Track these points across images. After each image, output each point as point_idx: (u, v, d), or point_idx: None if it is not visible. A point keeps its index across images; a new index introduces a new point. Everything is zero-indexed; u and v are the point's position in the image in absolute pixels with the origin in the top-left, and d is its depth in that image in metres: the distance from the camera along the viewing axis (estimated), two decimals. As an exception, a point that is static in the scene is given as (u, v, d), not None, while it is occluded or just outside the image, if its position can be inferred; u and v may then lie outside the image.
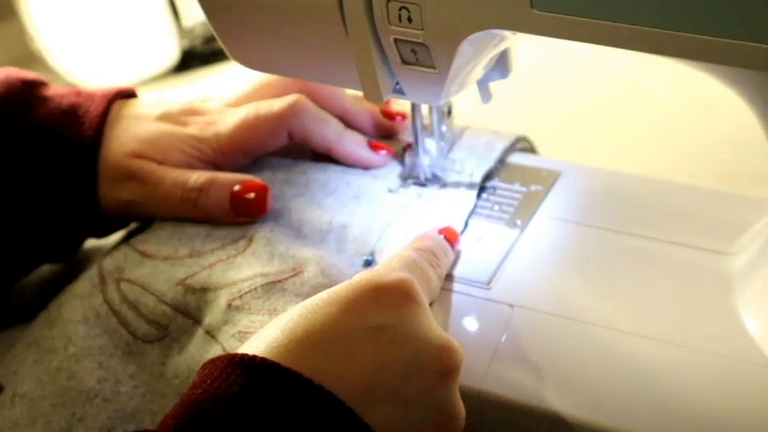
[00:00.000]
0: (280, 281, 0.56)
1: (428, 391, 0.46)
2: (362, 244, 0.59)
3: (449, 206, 0.62)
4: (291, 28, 0.55)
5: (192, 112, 0.65)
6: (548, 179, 0.64)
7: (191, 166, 0.62)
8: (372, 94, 0.55)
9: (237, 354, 0.45)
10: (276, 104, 0.63)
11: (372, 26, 0.52)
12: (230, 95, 0.66)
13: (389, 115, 0.67)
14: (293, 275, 0.56)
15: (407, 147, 0.65)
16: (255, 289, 0.55)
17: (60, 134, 0.61)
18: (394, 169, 0.65)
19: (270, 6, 0.54)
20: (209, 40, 0.99)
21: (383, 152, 0.65)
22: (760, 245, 0.55)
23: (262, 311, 0.54)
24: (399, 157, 0.65)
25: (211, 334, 0.55)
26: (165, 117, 0.64)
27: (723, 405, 0.49)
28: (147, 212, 0.62)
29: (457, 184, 0.63)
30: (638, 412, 0.49)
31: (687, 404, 0.49)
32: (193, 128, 0.63)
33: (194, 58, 1.01)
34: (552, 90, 0.89)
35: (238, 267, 0.57)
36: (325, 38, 0.54)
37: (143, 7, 0.96)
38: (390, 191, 0.63)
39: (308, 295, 0.53)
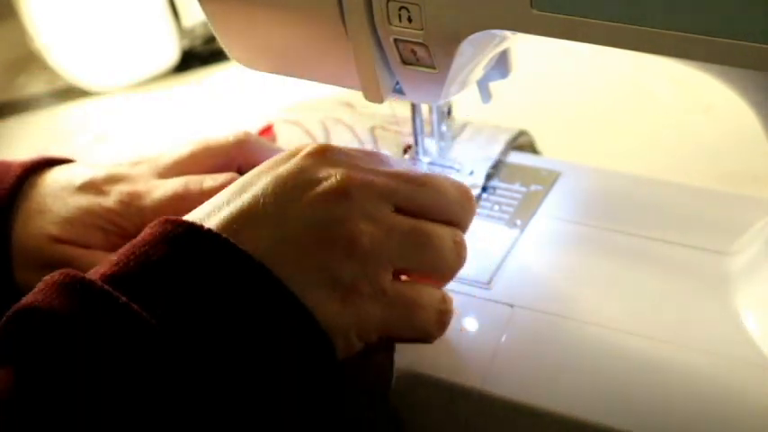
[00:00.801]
0: None
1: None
2: None
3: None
4: (291, 28, 0.55)
5: (117, 180, 0.58)
6: (548, 179, 0.64)
7: (114, 245, 0.55)
8: (372, 93, 0.55)
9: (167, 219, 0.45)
10: (207, 182, 0.57)
11: (372, 26, 0.52)
12: (163, 161, 0.60)
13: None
14: None
15: (408, 147, 0.65)
16: None
17: None
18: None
19: (269, 6, 0.54)
20: (210, 40, 0.99)
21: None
22: (760, 245, 0.55)
23: None
24: (400, 157, 0.66)
25: None
26: (87, 187, 0.58)
27: (723, 405, 0.49)
28: None
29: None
30: (637, 412, 0.49)
31: (687, 404, 0.49)
32: (114, 199, 0.57)
33: (194, 58, 1.01)
34: (552, 90, 0.89)
35: None
36: (325, 38, 0.54)
37: (143, 7, 0.96)
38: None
39: None
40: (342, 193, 0.47)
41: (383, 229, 0.47)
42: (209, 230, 0.44)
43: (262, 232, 0.45)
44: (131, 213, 0.57)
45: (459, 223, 0.51)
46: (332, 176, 0.47)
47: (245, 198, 0.47)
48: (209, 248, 0.44)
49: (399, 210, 0.48)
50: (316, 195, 0.47)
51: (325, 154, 0.49)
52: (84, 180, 0.58)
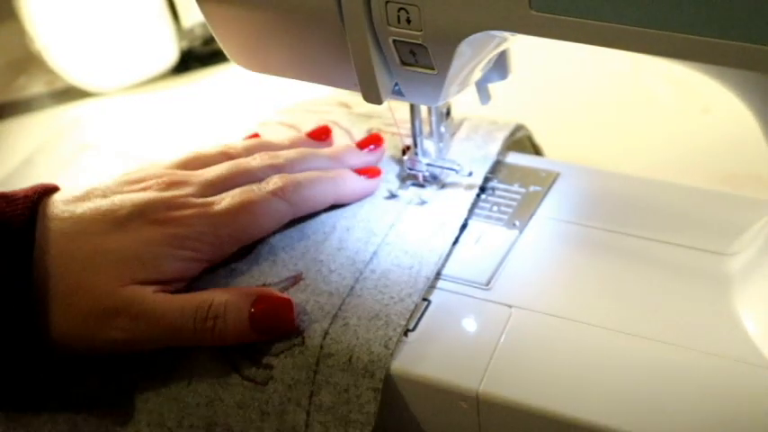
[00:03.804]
0: (281, 291, 0.56)
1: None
2: (365, 243, 0.59)
3: (448, 206, 0.62)
4: (290, 29, 0.55)
5: (171, 207, 0.56)
6: (547, 179, 0.64)
7: (187, 272, 0.56)
8: (371, 95, 0.55)
9: None
10: (271, 183, 0.58)
11: (371, 27, 0.52)
12: (199, 179, 0.59)
13: (364, 146, 0.66)
14: (293, 284, 0.57)
15: (406, 148, 0.65)
16: None
17: None
18: (393, 171, 0.65)
19: (268, 8, 0.54)
20: (209, 41, 0.99)
21: (375, 176, 0.63)
22: (759, 245, 0.55)
23: None
24: (398, 158, 0.66)
25: (231, 359, 0.55)
26: (133, 219, 0.55)
27: (722, 405, 0.49)
28: (148, 347, 0.55)
29: (456, 185, 0.63)
30: (637, 412, 0.49)
31: (686, 404, 0.49)
32: (178, 225, 0.55)
33: (194, 59, 1.01)
34: (551, 91, 0.89)
35: (240, 276, 0.58)
36: (324, 39, 0.54)
37: (142, 8, 0.95)
38: (389, 192, 0.63)
39: (307, 302, 0.55)
40: None
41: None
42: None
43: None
44: (204, 232, 0.56)
45: None
46: None
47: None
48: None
49: None
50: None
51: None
52: (128, 212, 0.55)
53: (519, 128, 0.68)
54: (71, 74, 0.97)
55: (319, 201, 0.61)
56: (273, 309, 0.54)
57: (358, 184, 0.62)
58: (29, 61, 1.01)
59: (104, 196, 0.56)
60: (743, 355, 0.51)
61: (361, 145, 0.65)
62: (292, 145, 0.65)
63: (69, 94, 0.99)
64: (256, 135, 0.68)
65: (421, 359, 0.53)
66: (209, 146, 0.63)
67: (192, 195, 0.57)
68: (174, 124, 0.91)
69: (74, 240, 0.54)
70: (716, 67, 0.47)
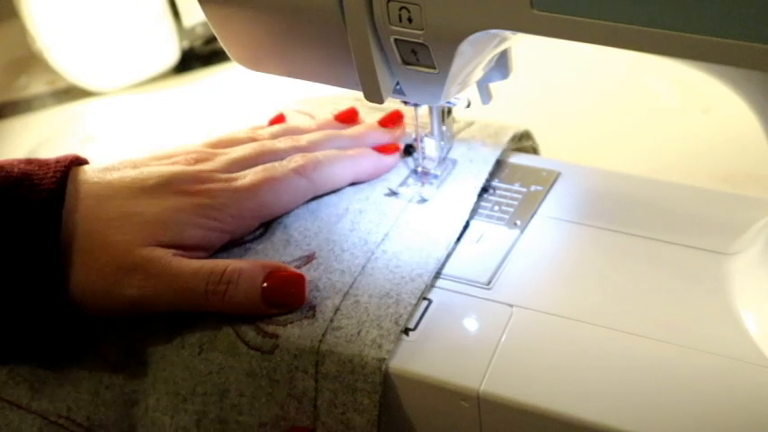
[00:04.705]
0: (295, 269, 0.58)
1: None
2: (377, 224, 0.61)
3: (449, 206, 0.62)
4: (292, 29, 0.55)
5: (197, 180, 0.58)
6: (547, 179, 0.64)
7: (208, 241, 0.57)
8: (373, 94, 0.55)
9: None
10: (292, 162, 0.61)
11: (373, 26, 0.52)
12: (225, 160, 0.61)
13: (386, 124, 0.67)
14: (306, 263, 0.58)
15: (408, 147, 0.65)
16: None
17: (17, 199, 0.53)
18: (394, 170, 0.65)
19: (270, 7, 0.54)
20: (210, 40, 0.99)
21: (393, 152, 0.65)
22: (760, 245, 0.55)
23: None
24: (400, 157, 0.66)
25: (234, 328, 0.56)
26: (163, 188, 0.57)
27: (723, 405, 0.49)
28: (161, 307, 0.56)
29: (457, 185, 0.63)
30: (637, 412, 0.49)
31: (687, 404, 0.49)
32: (203, 196, 0.57)
33: (194, 58, 1.01)
34: (552, 91, 0.89)
35: (255, 255, 0.59)
36: (326, 38, 0.54)
37: (143, 8, 0.96)
38: (390, 190, 0.63)
39: (320, 280, 0.57)
40: None
41: None
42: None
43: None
44: (227, 204, 0.57)
45: None
46: None
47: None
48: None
49: None
50: None
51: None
52: (156, 181, 0.57)
53: (524, 135, 0.68)
54: (72, 73, 0.98)
55: (339, 178, 0.63)
56: (286, 282, 0.55)
57: (376, 161, 0.64)
58: (30, 61, 1.01)
59: (134, 167, 0.59)
60: (743, 355, 0.51)
61: (383, 122, 0.67)
62: (318, 128, 0.67)
63: (70, 93, 0.99)
64: (281, 118, 0.70)
65: (422, 358, 0.53)
66: (236, 130, 0.66)
67: (218, 171, 0.59)
68: (174, 123, 0.91)
69: (102, 203, 0.56)
70: (717, 66, 0.47)
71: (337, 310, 0.55)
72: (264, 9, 0.55)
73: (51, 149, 0.86)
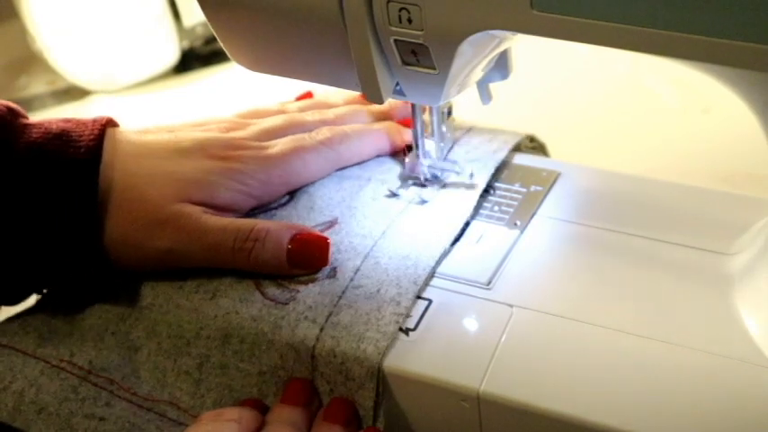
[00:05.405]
0: None
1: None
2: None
3: (449, 207, 0.62)
4: (292, 29, 0.55)
5: (230, 146, 0.61)
6: (547, 179, 0.64)
7: (236, 204, 0.60)
8: (373, 94, 0.55)
9: None
10: (320, 134, 0.63)
11: (372, 27, 0.52)
12: (255, 129, 0.64)
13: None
14: (329, 227, 0.60)
15: (408, 148, 0.65)
16: None
17: (57, 154, 0.56)
18: (394, 170, 0.65)
19: (270, 8, 0.54)
20: (210, 40, 1.00)
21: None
22: (760, 245, 0.55)
23: None
24: (400, 157, 0.66)
25: (255, 281, 0.57)
26: (197, 151, 0.60)
27: (723, 405, 0.49)
28: (189, 262, 0.58)
29: (457, 185, 0.63)
30: (637, 412, 0.49)
31: (687, 404, 0.49)
32: (234, 161, 0.60)
33: (194, 58, 1.01)
34: (552, 91, 0.89)
35: (279, 220, 0.61)
36: (326, 39, 0.54)
37: (143, 8, 0.96)
38: (390, 191, 0.63)
39: (342, 243, 0.59)
40: None
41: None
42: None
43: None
44: (255, 170, 0.60)
45: None
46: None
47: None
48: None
49: None
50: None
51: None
52: (190, 144, 0.60)
53: (526, 139, 0.68)
54: (72, 73, 0.98)
55: (365, 152, 0.65)
56: (311, 244, 0.57)
57: (401, 134, 0.66)
58: (30, 61, 1.01)
59: (170, 131, 0.62)
60: (743, 355, 0.51)
61: None
62: (345, 103, 0.69)
63: (70, 93, 0.99)
64: (309, 93, 0.72)
65: (422, 358, 0.53)
66: (266, 104, 0.69)
67: (249, 139, 0.62)
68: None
69: (138, 160, 0.58)
70: (718, 66, 0.47)
71: (358, 270, 0.57)
72: (264, 10, 0.55)
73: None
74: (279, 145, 0.62)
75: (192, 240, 0.57)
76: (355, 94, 0.69)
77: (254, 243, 0.57)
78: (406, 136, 0.66)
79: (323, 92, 0.72)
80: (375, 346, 0.53)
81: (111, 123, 0.60)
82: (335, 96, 0.70)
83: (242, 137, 0.62)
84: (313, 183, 0.63)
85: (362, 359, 0.53)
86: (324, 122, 0.65)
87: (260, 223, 0.57)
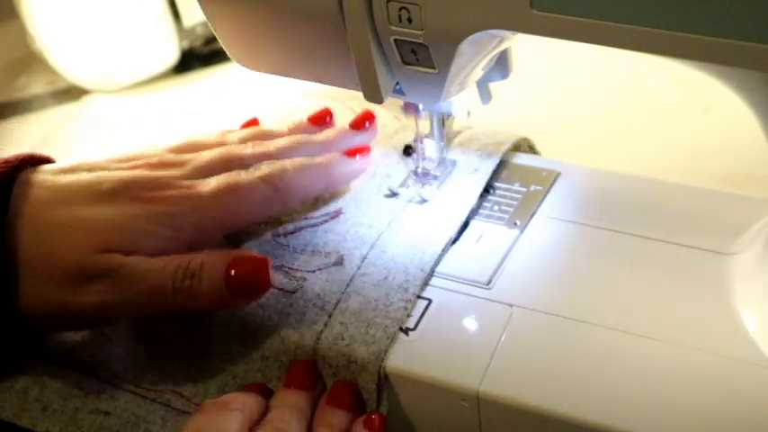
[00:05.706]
0: (322, 224, 0.61)
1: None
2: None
3: (448, 206, 0.62)
4: (292, 29, 0.55)
5: (156, 186, 0.55)
6: (547, 179, 0.64)
7: (164, 251, 0.54)
8: (372, 94, 0.55)
9: None
10: (258, 170, 0.58)
11: (372, 27, 0.52)
12: (191, 165, 0.58)
13: (359, 125, 0.65)
14: (334, 217, 0.61)
15: (407, 148, 0.65)
16: (300, 231, 0.60)
17: None
18: (393, 170, 0.65)
19: (270, 7, 0.54)
20: (210, 40, 0.99)
21: (365, 155, 0.64)
22: (760, 245, 0.55)
23: (305, 250, 0.59)
24: (400, 157, 0.66)
25: None
26: (119, 193, 0.54)
27: (723, 405, 0.49)
28: (124, 313, 0.54)
29: (457, 185, 0.63)
30: (637, 412, 0.49)
31: (687, 404, 0.49)
32: (161, 203, 0.54)
33: (194, 58, 1.01)
34: (552, 90, 0.89)
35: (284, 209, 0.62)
36: (326, 38, 0.54)
37: (143, 8, 0.95)
38: (390, 190, 0.63)
39: (348, 233, 0.59)
40: None
41: None
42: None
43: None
44: (185, 211, 0.55)
45: None
46: None
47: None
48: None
49: None
50: None
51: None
52: (112, 185, 0.54)
53: (521, 141, 0.68)
54: (72, 73, 0.97)
55: (309, 187, 0.60)
56: (250, 269, 0.53)
57: (348, 166, 0.63)
58: (30, 61, 1.01)
59: (90, 170, 0.56)
60: (743, 355, 0.51)
61: (355, 124, 0.65)
62: (291, 132, 0.64)
63: (70, 93, 0.99)
64: (255, 121, 0.68)
65: (422, 358, 0.53)
66: (206, 133, 0.63)
67: (180, 178, 0.56)
68: (174, 123, 0.91)
69: (51, 208, 0.53)
70: (717, 66, 0.47)
71: (365, 258, 0.58)
72: (264, 9, 0.55)
73: (57, 144, 0.86)
74: (212, 182, 0.56)
75: (130, 289, 0.52)
76: (302, 122, 0.66)
77: (191, 280, 0.52)
78: (352, 167, 0.62)
79: (271, 120, 0.69)
80: (384, 331, 0.54)
81: (28, 162, 0.54)
82: (280, 125, 0.65)
83: (171, 175, 0.56)
84: None
85: (370, 342, 0.53)
86: (264, 155, 0.60)
87: (195, 256, 0.53)
